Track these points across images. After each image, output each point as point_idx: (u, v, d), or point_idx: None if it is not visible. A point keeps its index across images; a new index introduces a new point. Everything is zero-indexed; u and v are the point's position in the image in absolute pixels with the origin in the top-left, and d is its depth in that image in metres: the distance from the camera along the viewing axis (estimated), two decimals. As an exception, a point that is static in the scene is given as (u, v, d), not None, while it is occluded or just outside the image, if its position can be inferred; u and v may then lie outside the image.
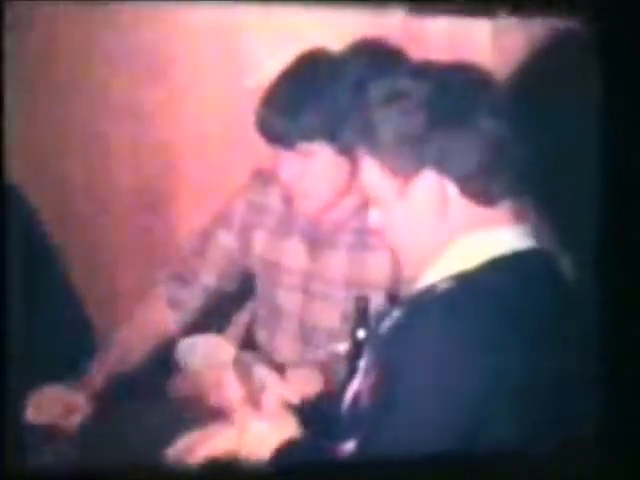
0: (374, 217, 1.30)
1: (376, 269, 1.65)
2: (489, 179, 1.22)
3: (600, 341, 1.20)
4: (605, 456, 1.19)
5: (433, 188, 1.21)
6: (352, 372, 1.38)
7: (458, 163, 1.20)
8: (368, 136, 1.24)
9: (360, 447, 1.20)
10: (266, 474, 1.22)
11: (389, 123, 1.21)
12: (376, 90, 1.25)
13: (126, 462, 1.25)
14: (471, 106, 1.21)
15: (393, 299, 1.59)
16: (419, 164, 1.21)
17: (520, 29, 1.74)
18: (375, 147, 1.23)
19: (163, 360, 1.72)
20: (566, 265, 1.29)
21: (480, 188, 1.22)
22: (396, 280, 1.63)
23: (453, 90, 1.22)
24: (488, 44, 1.81)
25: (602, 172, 1.26)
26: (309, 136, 1.58)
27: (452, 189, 1.22)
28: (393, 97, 1.22)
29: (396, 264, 1.61)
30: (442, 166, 1.21)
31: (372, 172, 1.25)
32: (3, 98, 1.26)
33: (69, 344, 1.86)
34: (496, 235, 1.22)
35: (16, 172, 1.60)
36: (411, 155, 1.21)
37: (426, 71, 1.25)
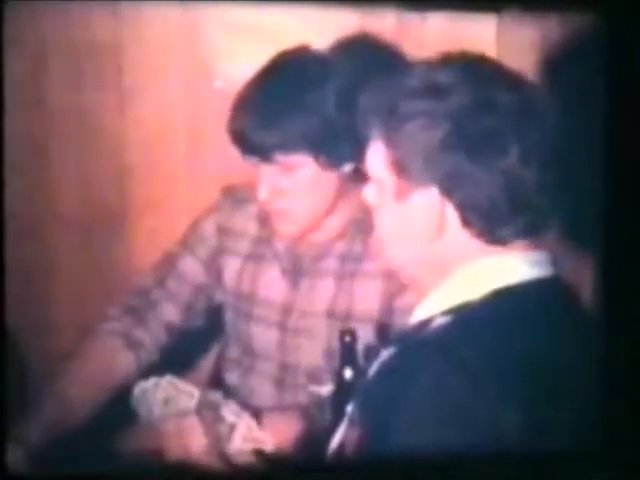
0: (370, 194, 1.36)
1: (365, 299, 1.75)
2: (499, 222, 1.28)
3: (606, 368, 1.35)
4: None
5: (433, 206, 1.28)
6: (337, 418, 1.45)
7: (467, 193, 1.27)
8: (387, 121, 1.29)
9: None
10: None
11: (414, 119, 1.27)
12: (414, 75, 1.29)
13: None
14: (507, 136, 1.26)
15: (384, 332, 1.69)
16: (427, 177, 1.28)
17: (528, 26, 1.91)
18: (390, 136, 1.29)
19: (116, 407, 1.77)
20: (586, 294, 1.40)
21: (487, 228, 1.28)
22: (387, 311, 1.73)
23: (497, 109, 1.26)
24: (492, 42, 1.98)
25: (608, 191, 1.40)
26: (291, 147, 1.65)
27: (454, 217, 1.29)
28: (430, 89, 1.27)
29: (387, 292, 1.72)
30: (450, 188, 1.27)
31: (378, 159, 1.32)
32: (3, 98, 1.42)
33: None
34: (505, 262, 1.29)
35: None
36: (423, 164, 1.27)
37: (478, 73, 1.29)
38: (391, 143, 1.31)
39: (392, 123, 1.30)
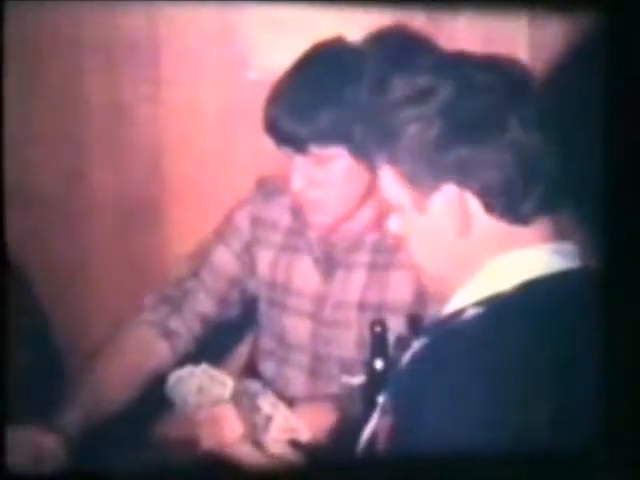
0: (394, 224, 1.40)
1: (397, 290, 1.77)
2: (518, 196, 1.30)
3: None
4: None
5: (453, 203, 1.31)
6: (369, 408, 1.48)
7: (482, 175, 1.29)
8: (386, 142, 1.33)
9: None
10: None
11: (408, 128, 1.30)
12: (395, 89, 1.33)
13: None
14: (501, 111, 1.29)
15: (415, 323, 1.71)
16: (439, 176, 1.30)
17: (558, 23, 1.91)
18: (393, 155, 1.33)
19: (151, 397, 1.80)
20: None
21: (508, 206, 1.30)
22: (419, 302, 1.75)
23: (482, 90, 1.29)
24: (524, 38, 2.01)
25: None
26: (325, 139, 1.68)
27: (475, 205, 1.31)
28: (413, 97, 1.31)
29: (419, 284, 1.69)
30: (464, 178, 1.30)
31: (390, 182, 1.35)
32: (3, 98, 1.46)
33: (38, 379, 1.94)
34: (533, 254, 1.31)
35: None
36: (430, 166, 1.30)
37: (452, 66, 1.33)
38: (394, 161, 1.34)
39: (389, 142, 1.33)
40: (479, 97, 1.30)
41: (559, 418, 1.23)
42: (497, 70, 1.33)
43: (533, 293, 1.30)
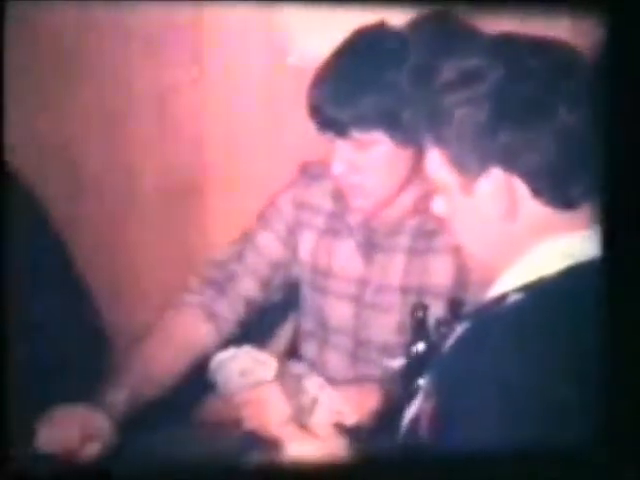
0: (439, 205, 1.41)
1: (438, 274, 1.78)
2: (566, 181, 1.31)
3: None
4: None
5: (500, 187, 1.31)
6: (410, 391, 1.49)
7: (530, 160, 1.29)
8: (434, 124, 1.34)
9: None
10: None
11: (458, 110, 1.30)
12: (445, 71, 1.33)
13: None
14: (550, 95, 1.29)
15: (456, 307, 1.70)
16: (487, 159, 1.30)
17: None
18: (441, 137, 1.33)
19: (195, 379, 1.83)
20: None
21: (556, 191, 1.31)
22: (461, 286, 1.75)
23: (531, 73, 1.30)
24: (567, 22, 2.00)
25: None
26: (366, 123, 1.69)
27: (523, 189, 1.31)
28: (463, 80, 1.31)
29: (460, 268, 1.74)
30: (511, 162, 1.30)
31: (438, 165, 1.36)
32: (4, 94, 1.49)
33: (83, 360, 1.96)
34: (577, 240, 1.32)
35: (20, 163, 1.77)
36: (479, 148, 1.30)
37: (503, 49, 1.33)
38: (442, 143, 1.34)
39: (438, 124, 1.33)
40: (528, 81, 1.30)
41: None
42: (547, 54, 1.33)
43: (577, 279, 1.30)
